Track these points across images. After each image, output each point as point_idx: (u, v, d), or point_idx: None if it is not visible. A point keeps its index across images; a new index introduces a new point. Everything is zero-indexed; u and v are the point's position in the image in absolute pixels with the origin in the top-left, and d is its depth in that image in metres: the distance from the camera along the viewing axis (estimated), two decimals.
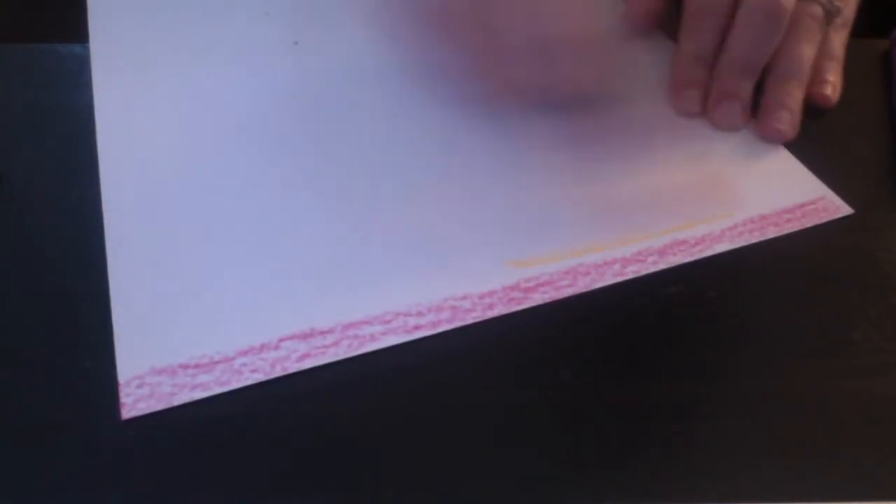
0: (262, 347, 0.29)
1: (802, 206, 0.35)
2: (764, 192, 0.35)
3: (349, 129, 0.37)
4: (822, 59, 0.39)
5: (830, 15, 0.39)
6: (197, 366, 0.28)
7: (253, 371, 0.28)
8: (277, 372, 0.28)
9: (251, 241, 0.32)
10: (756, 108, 0.38)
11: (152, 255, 0.31)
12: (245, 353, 0.28)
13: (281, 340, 0.29)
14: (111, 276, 0.30)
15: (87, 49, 0.40)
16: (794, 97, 0.38)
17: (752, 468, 0.26)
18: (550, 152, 0.36)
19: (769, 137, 0.38)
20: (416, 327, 0.30)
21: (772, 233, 0.33)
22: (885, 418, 0.28)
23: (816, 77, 0.39)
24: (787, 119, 0.37)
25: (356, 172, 0.35)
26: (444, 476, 0.26)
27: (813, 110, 0.39)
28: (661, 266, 0.32)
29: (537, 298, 0.31)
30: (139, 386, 0.27)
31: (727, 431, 0.27)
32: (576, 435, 0.27)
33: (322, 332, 0.29)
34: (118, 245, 0.32)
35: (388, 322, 0.30)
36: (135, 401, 0.27)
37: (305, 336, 0.29)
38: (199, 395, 0.27)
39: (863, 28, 0.42)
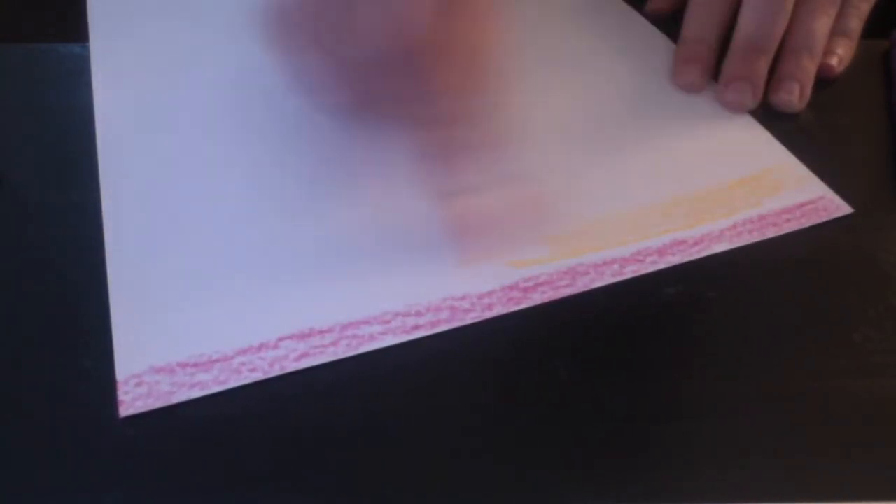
0: (261, 346, 0.29)
1: (802, 205, 0.34)
2: (763, 191, 0.35)
3: (348, 129, 0.37)
4: (835, 34, 0.41)
5: None
6: (195, 364, 0.28)
7: (251, 370, 0.28)
8: (276, 371, 0.28)
9: (250, 241, 0.32)
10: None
11: (151, 255, 0.31)
12: (244, 352, 0.28)
13: (280, 340, 0.29)
14: (110, 276, 0.31)
15: (87, 49, 0.40)
16: (805, 69, 0.39)
17: (751, 468, 0.26)
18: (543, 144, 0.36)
19: (778, 107, 0.39)
20: (415, 327, 0.30)
21: (771, 232, 0.33)
22: (885, 418, 0.28)
23: (825, 49, 0.40)
24: (797, 90, 0.39)
25: (356, 172, 0.35)
26: (443, 476, 0.26)
27: (813, 110, 0.39)
28: (661, 266, 0.32)
29: (536, 298, 0.31)
30: (137, 384, 0.27)
31: (727, 431, 0.27)
32: (575, 435, 0.27)
33: (321, 332, 0.29)
34: (117, 244, 0.32)
35: (387, 322, 0.30)
36: (133, 399, 0.27)
37: (304, 335, 0.29)
38: (198, 393, 0.27)
39: (863, 28, 0.42)
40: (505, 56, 0.34)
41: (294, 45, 0.33)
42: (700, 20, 0.41)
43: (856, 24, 0.41)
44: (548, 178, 0.35)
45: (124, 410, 0.27)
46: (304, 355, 0.28)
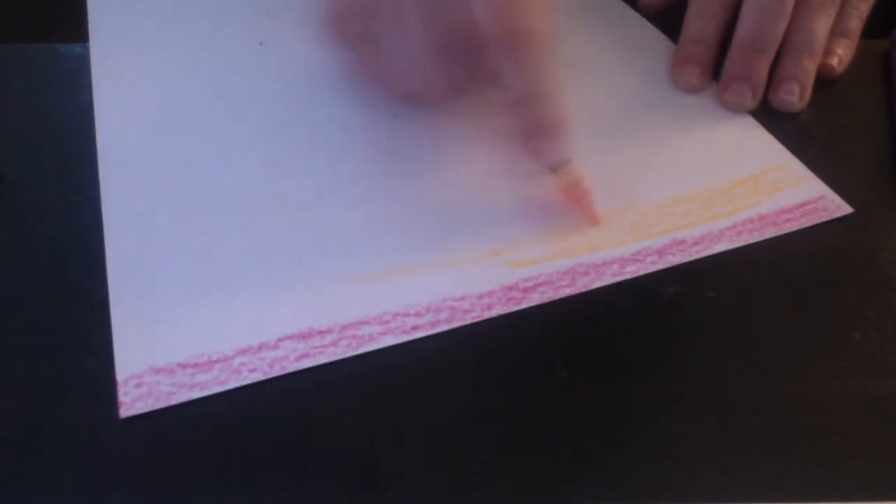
0: (261, 347, 0.29)
1: (802, 205, 0.34)
2: (763, 191, 0.35)
3: (348, 129, 0.37)
4: (835, 34, 0.41)
5: None
6: (195, 365, 0.28)
7: (251, 370, 0.28)
8: (276, 371, 0.28)
9: (250, 241, 0.32)
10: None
11: (151, 255, 0.31)
12: (244, 352, 0.28)
13: (280, 340, 0.29)
14: (110, 276, 0.31)
15: (87, 49, 0.40)
16: (805, 70, 0.39)
17: (751, 468, 0.26)
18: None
19: (778, 107, 0.39)
20: (415, 327, 0.30)
21: (771, 232, 0.33)
22: (885, 418, 0.28)
23: (825, 49, 0.40)
24: (796, 91, 0.39)
25: (355, 172, 0.35)
26: (443, 476, 0.26)
27: (814, 110, 0.39)
28: (660, 266, 0.32)
29: (536, 298, 0.31)
30: (137, 385, 0.27)
31: (727, 431, 0.27)
32: (575, 435, 0.27)
33: (321, 332, 0.29)
34: (117, 244, 0.32)
35: (387, 322, 0.30)
36: (133, 400, 0.27)
37: (304, 336, 0.29)
38: (198, 394, 0.27)
39: (863, 28, 0.42)
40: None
41: (353, 38, 0.34)
42: (699, 20, 0.41)
43: (856, 24, 0.41)
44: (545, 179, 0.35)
45: (125, 411, 0.27)
46: (304, 355, 0.28)
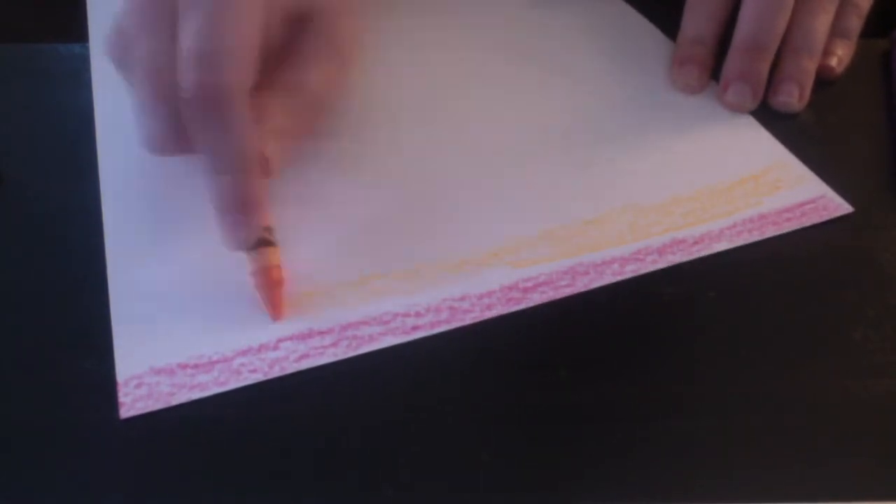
0: (261, 348, 0.29)
1: (802, 204, 0.34)
2: (763, 191, 0.35)
3: (348, 130, 0.37)
4: (834, 34, 0.41)
5: None
6: (195, 366, 0.28)
7: (251, 371, 0.28)
8: (276, 372, 0.28)
9: None
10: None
11: (151, 255, 0.31)
12: (244, 353, 0.28)
13: (279, 341, 0.29)
14: (110, 276, 0.31)
15: (87, 49, 0.40)
16: (805, 70, 0.39)
17: (751, 468, 0.26)
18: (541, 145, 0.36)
19: (777, 109, 0.39)
20: (415, 328, 0.30)
21: (771, 232, 0.33)
22: (885, 418, 0.28)
23: (824, 49, 0.40)
24: (796, 92, 0.39)
25: (355, 172, 0.35)
26: (443, 476, 0.26)
27: (814, 110, 0.39)
28: (660, 265, 0.32)
29: (536, 298, 0.31)
30: (138, 386, 0.27)
31: (727, 431, 0.27)
32: (575, 434, 0.27)
33: (321, 333, 0.29)
34: (117, 245, 0.32)
35: (387, 322, 0.30)
36: (133, 400, 0.27)
37: (304, 337, 0.29)
38: (198, 395, 0.27)
39: (863, 28, 0.42)
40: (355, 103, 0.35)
41: (125, 67, 0.31)
42: (697, 20, 0.41)
43: (856, 22, 0.41)
44: (547, 178, 0.35)
45: (125, 412, 0.27)
46: (304, 356, 0.28)
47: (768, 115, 0.39)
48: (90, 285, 0.30)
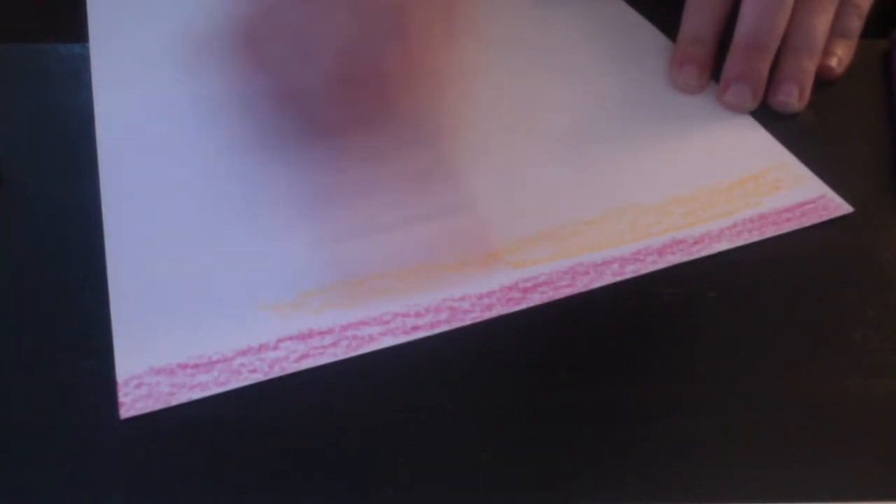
0: (261, 348, 0.29)
1: (802, 204, 0.34)
2: (763, 191, 0.35)
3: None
4: (835, 34, 0.41)
5: None
6: (195, 366, 0.28)
7: (251, 371, 0.28)
8: (276, 372, 0.28)
9: (251, 242, 0.32)
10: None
11: (151, 255, 0.31)
12: (244, 353, 0.28)
13: (280, 341, 0.29)
14: (110, 276, 0.31)
15: (87, 49, 0.40)
16: (804, 70, 0.39)
17: (751, 468, 0.26)
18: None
19: (777, 109, 0.39)
20: (415, 328, 0.30)
21: (771, 232, 0.33)
22: (885, 418, 0.28)
23: (824, 49, 0.40)
24: (796, 92, 0.39)
25: (354, 170, 0.35)
26: (443, 476, 0.26)
27: (814, 110, 0.39)
28: (660, 265, 0.32)
29: (536, 298, 0.31)
30: (138, 386, 0.27)
31: (727, 431, 0.27)
32: (575, 434, 0.27)
33: (321, 333, 0.29)
34: (117, 245, 0.32)
35: (387, 322, 0.30)
36: (133, 400, 0.27)
37: (304, 337, 0.29)
38: (198, 395, 0.27)
39: (863, 28, 0.42)
40: (465, 81, 0.35)
41: (245, 65, 0.32)
42: (697, 20, 0.41)
43: (856, 22, 0.41)
44: (547, 178, 0.35)
45: (125, 412, 0.27)
46: (304, 356, 0.28)
47: (768, 115, 0.39)
48: (90, 285, 0.30)
